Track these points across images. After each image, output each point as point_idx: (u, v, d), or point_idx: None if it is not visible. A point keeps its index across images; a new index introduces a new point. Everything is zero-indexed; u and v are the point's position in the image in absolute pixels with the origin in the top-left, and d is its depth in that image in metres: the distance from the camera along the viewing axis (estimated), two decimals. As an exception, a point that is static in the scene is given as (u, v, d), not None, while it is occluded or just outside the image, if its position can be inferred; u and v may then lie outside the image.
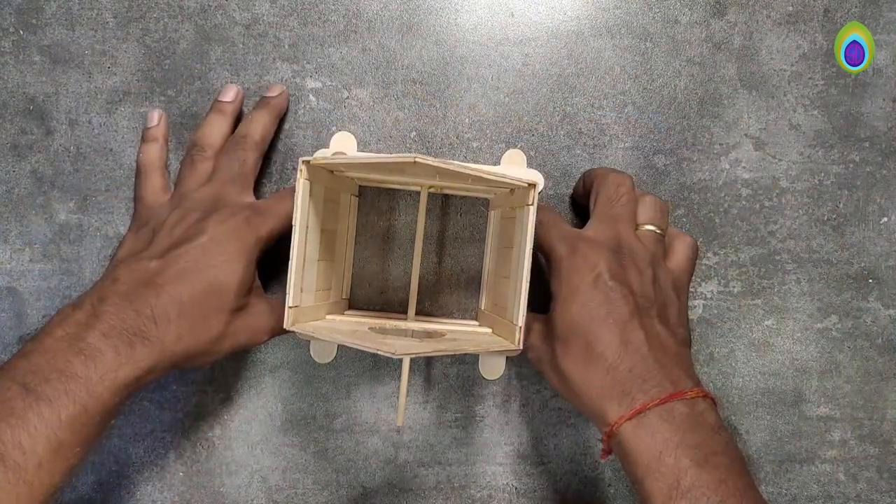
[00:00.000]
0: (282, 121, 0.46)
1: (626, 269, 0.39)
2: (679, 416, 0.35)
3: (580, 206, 0.47)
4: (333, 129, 0.47)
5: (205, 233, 0.38)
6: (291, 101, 0.46)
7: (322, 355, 0.46)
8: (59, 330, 0.35)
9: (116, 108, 0.46)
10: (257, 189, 0.46)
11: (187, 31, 0.46)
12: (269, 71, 0.46)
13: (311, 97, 0.46)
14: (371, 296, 0.48)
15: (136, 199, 0.44)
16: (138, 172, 0.45)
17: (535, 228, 0.38)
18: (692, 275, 0.43)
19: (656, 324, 0.38)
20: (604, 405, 0.36)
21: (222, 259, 0.38)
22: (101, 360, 0.34)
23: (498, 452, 0.48)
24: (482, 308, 0.47)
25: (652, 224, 0.42)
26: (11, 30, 0.46)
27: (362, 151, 0.46)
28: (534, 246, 0.38)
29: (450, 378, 0.48)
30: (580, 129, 0.47)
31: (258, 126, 0.44)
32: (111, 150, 0.46)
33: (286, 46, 0.46)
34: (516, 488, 0.48)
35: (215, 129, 0.44)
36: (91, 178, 0.46)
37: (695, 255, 0.43)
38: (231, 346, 0.39)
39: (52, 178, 0.46)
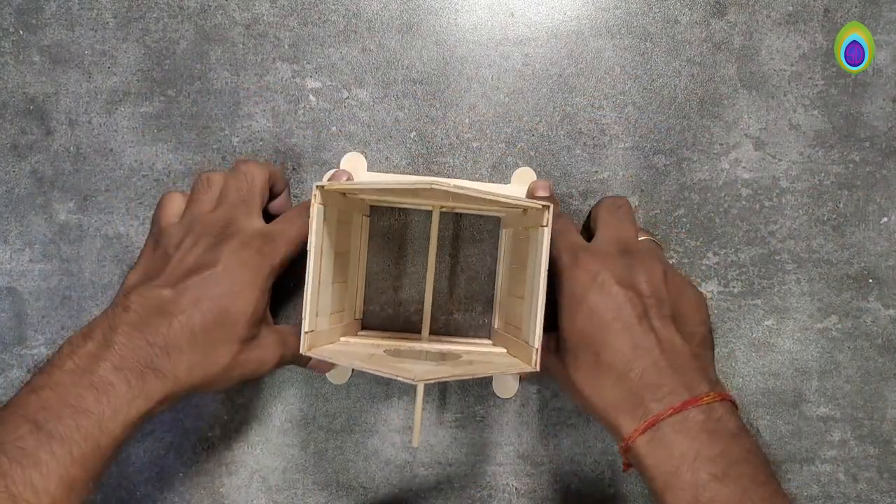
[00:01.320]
0: (282, 121, 0.46)
1: (634, 272, 0.38)
2: (695, 425, 0.34)
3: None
4: (333, 128, 0.47)
5: (219, 262, 0.37)
6: (291, 101, 0.46)
7: (338, 377, 0.47)
8: (70, 362, 0.34)
9: (116, 108, 0.46)
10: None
11: (187, 31, 0.46)
12: (269, 71, 0.46)
13: (311, 97, 0.46)
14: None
15: (153, 220, 0.42)
16: (161, 199, 0.42)
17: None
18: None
19: (669, 325, 0.37)
20: (618, 418, 0.36)
21: (236, 290, 0.37)
22: (113, 394, 0.33)
23: (498, 452, 0.48)
24: (496, 327, 0.47)
25: (649, 234, 0.43)
26: (11, 30, 0.46)
27: (360, 152, 0.46)
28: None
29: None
30: (580, 129, 0.47)
31: (258, 162, 0.43)
32: (111, 150, 0.46)
33: (286, 46, 0.46)
34: (516, 488, 0.48)
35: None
36: (91, 178, 0.46)
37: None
38: (240, 375, 0.39)
39: (52, 178, 0.46)
